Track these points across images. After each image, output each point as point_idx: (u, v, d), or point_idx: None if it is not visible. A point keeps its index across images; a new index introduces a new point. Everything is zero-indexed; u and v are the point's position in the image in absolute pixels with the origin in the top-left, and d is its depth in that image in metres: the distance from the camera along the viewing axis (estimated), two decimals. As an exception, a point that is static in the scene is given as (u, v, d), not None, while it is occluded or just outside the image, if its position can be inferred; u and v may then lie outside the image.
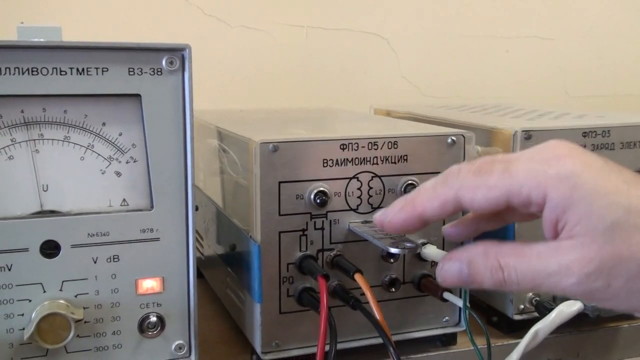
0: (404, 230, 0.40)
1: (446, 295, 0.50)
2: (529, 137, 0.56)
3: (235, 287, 0.57)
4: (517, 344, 0.55)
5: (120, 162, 0.47)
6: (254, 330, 0.51)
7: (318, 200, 0.50)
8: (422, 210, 0.38)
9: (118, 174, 0.47)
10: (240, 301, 0.55)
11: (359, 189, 0.51)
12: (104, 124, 0.47)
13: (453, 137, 0.53)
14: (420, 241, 0.50)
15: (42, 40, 0.45)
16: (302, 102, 1.03)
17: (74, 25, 0.88)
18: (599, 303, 0.35)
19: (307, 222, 0.50)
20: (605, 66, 1.22)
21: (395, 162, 0.52)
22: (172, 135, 0.47)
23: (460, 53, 1.13)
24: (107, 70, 0.46)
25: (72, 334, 0.45)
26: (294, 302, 0.51)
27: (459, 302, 0.49)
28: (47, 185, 0.46)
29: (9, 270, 0.45)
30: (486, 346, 0.47)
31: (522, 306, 0.58)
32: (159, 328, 0.49)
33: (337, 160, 0.50)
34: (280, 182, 0.49)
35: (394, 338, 0.48)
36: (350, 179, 0.51)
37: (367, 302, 0.46)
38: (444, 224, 0.47)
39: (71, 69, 0.45)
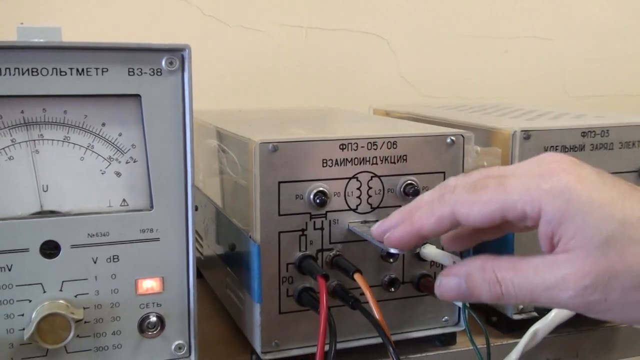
0: (402, 246, 0.41)
1: (445, 295, 0.50)
2: (528, 137, 0.56)
3: (235, 287, 0.57)
4: (516, 343, 0.55)
5: (120, 162, 0.47)
6: (253, 330, 0.51)
7: (317, 200, 0.50)
8: (420, 227, 0.39)
9: (118, 174, 0.47)
10: (239, 301, 0.55)
11: (358, 189, 0.51)
12: (103, 124, 0.47)
13: (452, 137, 0.53)
14: (420, 241, 0.50)
15: (42, 40, 0.45)
16: (302, 102, 1.03)
17: (74, 26, 0.88)
18: (596, 315, 0.36)
19: (306, 222, 0.50)
20: (605, 66, 1.22)
21: (394, 162, 0.52)
22: (171, 135, 0.47)
23: (459, 53, 1.13)
24: (107, 71, 0.46)
25: (72, 334, 0.45)
26: (293, 302, 0.51)
27: (458, 302, 0.49)
28: (47, 186, 0.46)
29: (9, 270, 0.45)
30: (485, 346, 0.47)
31: (521, 306, 0.58)
32: (159, 328, 0.49)
33: (336, 160, 0.50)
34: (279, 182, 0.49)
35: (394, 338, 0.49)
36: (350, 179, 0.51)
37: (367, 302, 0.46)
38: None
39: (71, 69, 0.45)
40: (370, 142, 0.51)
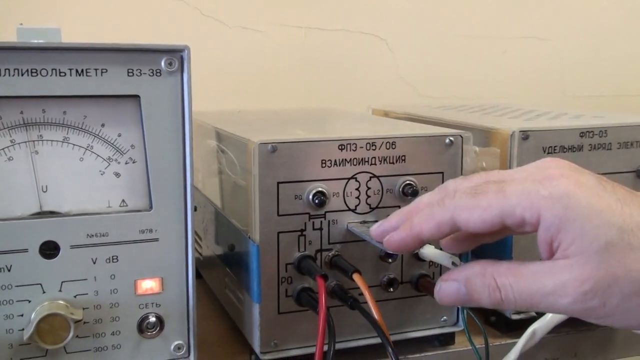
0: (402, 249, 0.41)
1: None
2: (527, 138, 0.56)
3: (234, 287, 0.57)
4: (514, 343, 0.55)
5: (119, 162, 0.47)
6: (252, 330, 0.51)
7: (316, 201, 0.50)
8: (419, 230, 0.39)
9: (117, 174, 0.47)
10: (239, 301, 0.55)
11: (357, 189, 0.52)
12: (103, 125, 0.47)
13: (451, 138, 0.53)
14: (419, 241, 0.50)
15: (41, 41, 0.45)
16: (301, 102, 1.03)
17: (73, 27, 0.88)
18: (596, 321, 0.36)
19: (305, 223, 0.50)
20: (603, 66, 1.22)
21: (393, 163, 0.52)
22: (171, 136, 0.47)
23: (458, 53, 1.13)
24: (106, 72, 0.46)
25: (71, 334, 0.45)
26: (292, 302, 0.51)
27: (458, 303, 0.50)
28: (46, 186, 0.46)
29: (9, 271, 0.45)
30: (484, 346, 0.47)
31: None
32: (158, 328, 0.49)
33: (335, 160, 0.51)
34: (278, 183, 0.49)
35: (392, 338, 0.49)
36: (349, 179, 0.51)
37: (366, 302, 0.46)
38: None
39: (70, 70, 0.45)
40: (369, 143, 0.51)
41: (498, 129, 0.58)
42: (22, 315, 0.46)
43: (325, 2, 1.05)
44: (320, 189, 0.50)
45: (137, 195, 0.48)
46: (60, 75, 0.45)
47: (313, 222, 0.51)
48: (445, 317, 0.56)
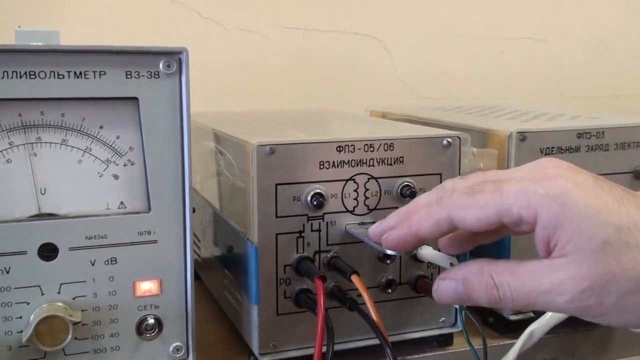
0: (400, 247, 0.41)
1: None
2: (524, 139, 0.56)
3: (233, 288, 0.57)
4: (513, 344, 0.55)
5: (117, 165, 0.47)
6: (251, 331, 0.51)
7: (315, 202, 0.50)
8: (417, 229, 0.40)
9: (115, 176, 0.47)
10: (237, 303, 0.56)
11: (355, 190, 0.52)
12: (101, 127, 0.47)
13: (449, 139, 0.53)
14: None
15: (39, 44, 0.45)
16: (298, 104, 1.03)
17: (72, 29, 0.88)
18: (593, 319, 0.36)
19: (303, 224, 0.50)
20: (601, 67, 1.22)
21: (391, 164, 0.52)
22: (169, 138, 0.47)
23: (455, 54, 1.13)
24: (105, 74, 0.46)
25: (70, 336, 0.45)
26: (291, 303, 0.51)
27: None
28: (44, 189, 0.46)
29: (7, 273, 0.45)
30: (482, 346, 0.47)
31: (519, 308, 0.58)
32: (157, 330, 0.49)
33: (333, 162, 0.51)
34: (277, 184, 0.49)
35: (391, 339, 0.49)
36: (347, 180, 0.51)
37: (364, 303, 0.46)
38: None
39: (69, 72, 0.45)
40: (367, 144, 0.51)
41: (496, 130, 0.59)
42: (20, 317, 0.46)
43: (323, 4, 1.05)
44: (318, 190, 0.50)
45: (136, 197, 0.48)
46: (58, 78, 0.45)
47: (311, 224, 0.51)
48: (443, 318, 0.56)
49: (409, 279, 0.54)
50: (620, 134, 0.60)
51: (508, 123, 0.65)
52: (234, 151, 0.56)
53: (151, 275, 0.48)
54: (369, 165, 0.52)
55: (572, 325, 0.59)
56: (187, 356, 0.50)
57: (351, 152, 0.51)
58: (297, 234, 0.50)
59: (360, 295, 0.46)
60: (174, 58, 0.47)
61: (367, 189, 0.52)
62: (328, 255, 0.51)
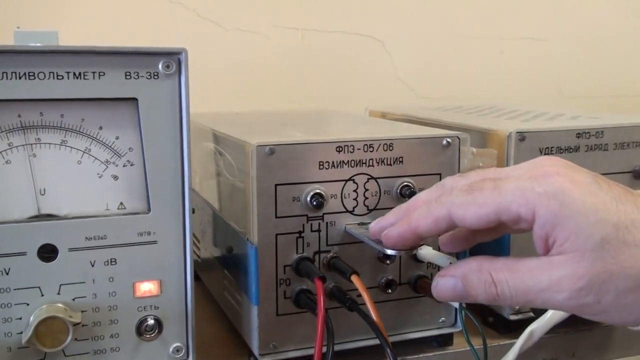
0: (400, 244, 0.41)
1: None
2: (523, 139, 0.56)
3: (233, 289, 0.57)
4: (513, 344, 0.55)
5: (117, 165, 0.47)
6: (251, 332, 0.51)
7: (314, 203, 0.50)
8: (416, 226, 0.40)
9: (115, 177, 0.47)
10: (237, 303, 0.55)
11: (355, 190, 0.52)
12: (100, 127, 0.47)
13: (448, 139, 0.53)
14: (416, 242, 0.50)
15: (38, 44, 0.45)
16: (298, 104, 1.03)
17: (71, 30, 0.88)
18: (591, 317, 0.36)
19: (303, 224, 0.50)
20: (599, 67, 1.22)
21: (390, 164, 0.52)
22: (168, 138, 0.47)
23: (455, 54, 1.13)
24: (104, 75, 0.46)
25: (70, 337, 0.45)
26: (291, 304, 0.51)
27: (455, 303, 0.50)
28: (44, 189, 0.46)
29: (7, 274, 0.45)
30: (482, 346, 0.47)
31: (517, 306, 0.58)
32: (157, 331, 0.49)
33: (333, 162, 0.51)
34: (276, 185, 0.49)
35: (391, 339, 0.49)
36: (346, 181, 0.51)
37: (364, 304, 0.46)
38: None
39: (68, 73, 0.45)
40: (367, 144, 0.51)
41: (495, 130, 0.59)
42: (20, 319, 0.46)
43: (323, 4, 1.05)
44: (318, 190, 0.50)
45: (135, 198, 0.48)
46: (57, 79, 0.45)
47: (311, 224, 0.51)
48: (443, 318, 0.56)
49: (408, 279, 0.54)
50: (619, 134, 0.60)
51: (507, 123, 0.65)
52: (234, 151, 0.56)
53: (151, 276, 0.48)
54: (369, 166, 0.52)
55: (572, 325, 0.59)
56: (187, 357, 0.50)
57: (351, 152, 0.51)
58: (297, 235, 0.50)
59: (360, 295, 0.46)
60: (174, 58, 0.47)
61: (366, 189, 0.52)
62: (328, 256, 0.51)
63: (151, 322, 0.49)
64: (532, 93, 1.18)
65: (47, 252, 0.46)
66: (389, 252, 0.43)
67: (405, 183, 0.52)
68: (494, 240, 0.44)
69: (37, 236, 0.46)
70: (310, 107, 0.98)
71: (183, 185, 0.48)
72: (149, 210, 0.48)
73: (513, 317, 0.58)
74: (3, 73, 0.44)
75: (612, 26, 1.23)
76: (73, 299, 0.47)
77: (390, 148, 0.52)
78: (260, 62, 1.02)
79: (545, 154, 0.57)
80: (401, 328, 0.55)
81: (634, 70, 1.25)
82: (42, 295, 0.46)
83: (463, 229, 0.43)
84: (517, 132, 0.56)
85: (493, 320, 0.61)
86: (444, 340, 0.57)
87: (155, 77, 0.47)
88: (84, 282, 0.47)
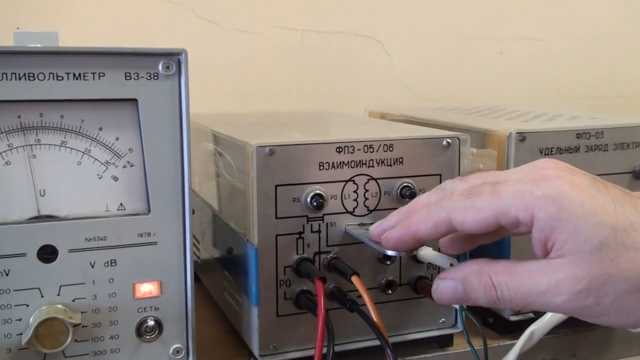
0: (399, 247, 0.41)
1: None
2: (523, 139, 0.56)
3: (233, 290, 0.57)
4: (513, 344, 0.55)
5: (117, 166, 0.47)
6: (251, 333, 0.51)
7: (314, 203, 0.50)
8: (416, 230, 0.40)
9: (115, 178, 0.47)
10: (237, 304, 0.55)
11: (355, 191, 0.52)
12: (100, 128, 0.47)
13: (448, 140, 0.53)
14: (417, 243, 0.50)
15: (38, 45, 0.45)
16: (297, 105, 1.03)
17: (71, 31, 0.88)
18: (590, 319, 0.36)
19: (303, 225, 0.50)
20: (599, 67, 1.22)
21: (390, 165, 0.52)
22: (168, 139, 0.47)
23: (454, 55, 1.13)
24: (104, 75, 0.46)
25: (70, 338, 0.45)
26: (291, 305, 0.51)
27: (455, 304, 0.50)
28: (44, 190, 0.46)
29: (7, 275, 0.45)
30: (482, 347, 0.47)
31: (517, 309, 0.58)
32: (157, 332, 0.49)
33: (333, 163, 0.51)
34: (276, 186, 0.49)
35: (391, 340, 0.49)
36: (347, 181, 0.51)
37: (364, 305, 0.46)
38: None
39: (68, 74, 0.45)
40: (367, 145, 0.51)
41: (495, 130, 0.59)
42: (20, 320, 0.46)
43: (322, 5, 1.05)
44: (318, 191, 0.50)
45: (135, 199, 0.48)
46: (57, 79, 0.45)
47: (311, 225, 0.51)
48: (443, 319, 0.56)
49: (409, 279, 0.54)
50: (619, 134, 0.60)
51: (507, 123, 0.65)
52: (234, 152, 0.56)
53: (151, 277, 0.48)
54: (369, 166, 0.52)
55: (572, 325, 0.59)
56: (187, 358, 0.50)
57: (351, 153, 0.51)
58: (297, 235, 0.50)
59: (360, 296, 0.46)
60: (173, 59, 0.47)
61: (366, 190, 0.52)
62: (328, 257, 0.51)
63: (151, 323, 0.48)
64: (531, 93, 1.18)
65: (47, 253, 0.46)
66: (389, 252, 0.43)
67: (406, 184, 0.52)
68: (494, 242, 0.44)
69: (37, 237, 0.46)
70: (310, 108, 0.98)
71: (183, 186, 0.48)
72: (149, 211, 0.48)
73: (513, 318, 0.58)
74: (3, 74, 0.44)
75: (611, 27, 1.23)
76: (73, 300, 0.47)
77: (390, 149, 0.52)
78: (260, 63, 1.02)
79: (545, 155, 0.57)
80: (401, 329, 0.55)
81: (632, 71, 1.25)
82: (42, 297, 0.46)
83: (463, 232, 0.43)
84: (517, 133, 0.56)
85: (493, 321, 0.61)
86: (445, 341, 0.57)
87: (155, 77, 0.47)
88: (83, 283, 0.47)
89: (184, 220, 0.48)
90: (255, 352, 0.51)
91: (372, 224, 0.46)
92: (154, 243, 0.48)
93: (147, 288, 0.48)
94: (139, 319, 0.48)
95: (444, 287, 0.40)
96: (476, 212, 0.37)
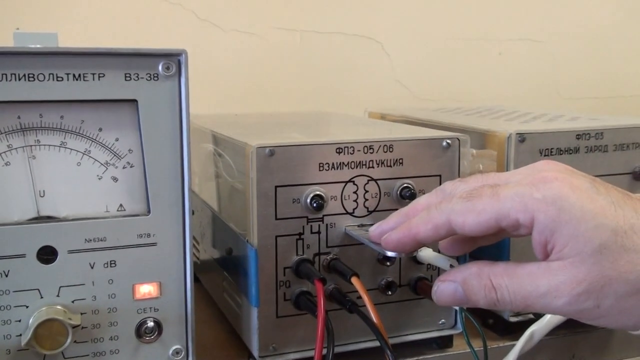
0: (399, 249, 0.41)
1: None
2: (523, 140, 0.56)
3: (232, 291, 0.57)
4: (513, 345, 0.55)
5: (116, 167, 0.47)
6: (251, 334, 0.51)
7: (314, 204, 0.50)
8: (416, 232, 0.40)
9: (115, 179, 0.47)
10: (237, 305, 0.55)
11: (355, 192, 0.52)
12: (100, 129, 0.47)
13: (448, 141, 0.53)
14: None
15: (38, 46, 0.45)
16: (297, 106, 1.03)
17: (70, 31, 0.88)
18: (590, 322, 0.36)
19: (303, 226, 0.50)
20: (598, 68, 1.22)
21: (390, 166, 0.52)
22: (168, 140, 0.47)
23: (453, 56, 1.13)
24: (104, 76, 0.46)
25: (69, 339, 0.45)
26: (291, 306, 0.51)
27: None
28: (43, 191, 0.46)
29: (6, 276, 0.45)
30: (482, 348, 0.47)
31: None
32: (156, 333, 0.49)
33: (333, 164, 0.51)
34: (276, 186, 0.49)
35: (391, 341, 0.49)
36: (346, 182, 0.51)
37: (364, 306, 0.46)
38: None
39: (67, 74, 0.45)
40: (367, 146, 0.51)
41: (495, 131, 0.59)
42: (19, 321, 0.46)
43: (321, 5, 1.05)
44: (318, 192, 0.50)
45: (135, 200, 0.48)
46: (57, 80, 0.45)
47: (311, 226, 0.51)
48: (443, 320, 0.56)
49: (408, 280, 0.54)
50: (619, 135, 0.60)
51: (507, 124, 0.65)
52: (233, 153, 0.55)
53: (150, 278, 0.48)
54: (369, 167, 0.52)
55: (572, 326, 0.59)
56: (187, 359, 0.50)
57: (350, 153, 0.51)
58: (297, 236, 0.50)
59: (360, 297, 0.46)
60: (173, 60, 0.47)
61: (366, 191, 0.52)
62: (328, 258, 0.51)
63: (151, 324, 0.48)
64: (530, 94, 1.18)
65: (47, 254, 0.46)
66: (389, 254, 0.42)
67: (405, 184, 0.52)
68: (494, 244, 0.44)
69: (37, 238, 0.46)
70: (309, 109, 0.98)
71: (183, 187, 0.48)
72: (149, 212, 0.48)
73: (513, 319, 0.58)
74: (3, 74, 0.44)
75: (610, 27, 1.23)
76: (72, 301, 0.47)
77: (390, 149, 0.52)
78: (260, 63, 1.02)
79: (545, 156, 0.57)
80: (401, 330, 0.55)
81: (631, 71, 1.25)
82: (42, 298, 0.46)
83: (462, 234, 0.43)
84: (517, 134, 0.56)
85: (493, 322, 0.61)
86: (444, 342, 0.57)
87: (155, 78, 0.47)
88: (83, 284, 0.47)
89: (184, 221, 0.48)
90: (255, 353, 0.51)
91: (372, 225, 0.46)
92: (154, 244, 0.48)
93: (146, 289, 0.48)
94: (139, 320, 0.48)
95: (444, 289, 0.40)
96: (476, 215, 0.37)
